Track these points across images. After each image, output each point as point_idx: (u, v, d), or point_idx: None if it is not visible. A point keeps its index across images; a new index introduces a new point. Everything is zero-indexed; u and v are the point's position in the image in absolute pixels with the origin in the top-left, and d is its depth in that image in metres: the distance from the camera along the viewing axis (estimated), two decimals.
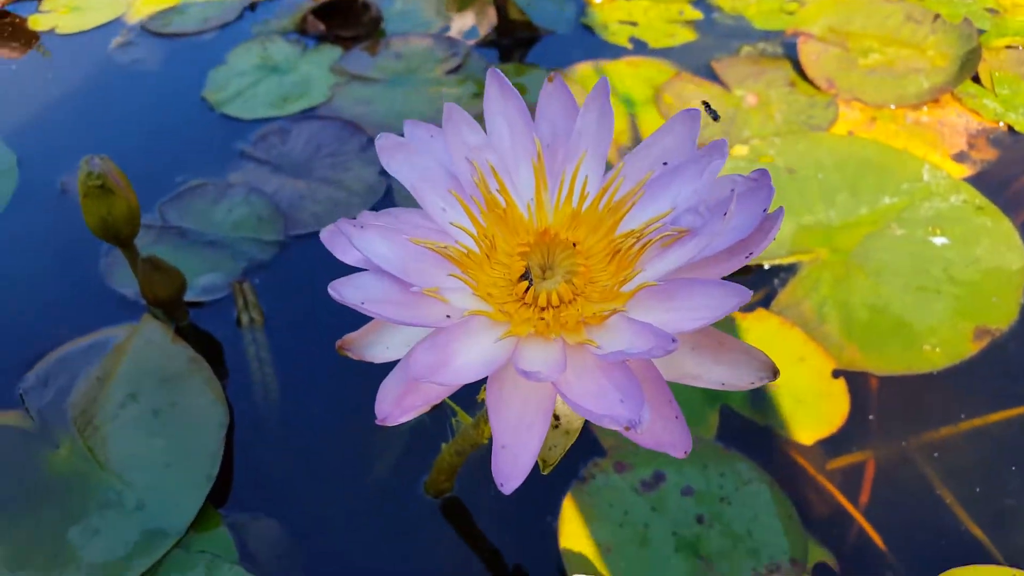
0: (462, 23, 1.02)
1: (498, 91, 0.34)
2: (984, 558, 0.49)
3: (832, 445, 0.55)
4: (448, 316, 0.29)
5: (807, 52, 0.90)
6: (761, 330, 0.61)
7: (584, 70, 0.92)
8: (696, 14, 1.01)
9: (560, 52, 0.97)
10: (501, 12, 0.97)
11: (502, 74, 0.34)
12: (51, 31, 1.08)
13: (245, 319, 0.67)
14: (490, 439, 0.40)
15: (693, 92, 0.87)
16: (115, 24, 1.09)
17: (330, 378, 0.63)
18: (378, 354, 0.32)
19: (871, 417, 0.56)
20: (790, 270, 0.66)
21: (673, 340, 0.25)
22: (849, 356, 0.59)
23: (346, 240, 0.31)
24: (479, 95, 0.89)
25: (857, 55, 0.89)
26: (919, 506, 0.52)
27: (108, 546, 0.51)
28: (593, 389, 0.27)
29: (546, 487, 0.54)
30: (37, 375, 0.61)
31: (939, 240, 0.66)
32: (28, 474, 0.55)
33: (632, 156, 0.33)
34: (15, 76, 1.01)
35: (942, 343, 0.59)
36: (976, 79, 0.84)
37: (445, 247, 0.30)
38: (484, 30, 1.00)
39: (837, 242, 0.68)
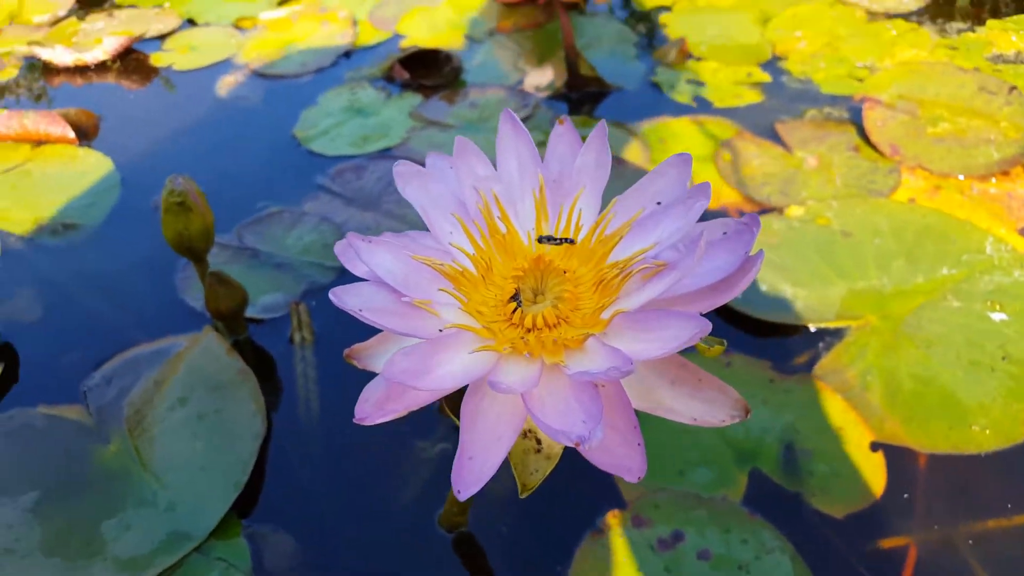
0: (537, 78, 1.02)
1: (511, 129, 0.33)
2: None
3: (863, 522, 0.49)
4: (441, 331, 0.28)
5: (873, 118, 0.85)
6: (801, 394, 0.56)
7: (647, 126, 0.89)
8: (764, 76, 0.97)
9: (626, 107, 0.95)
10: (572, 67, 0.96)
11: (515, 115, 0.33)
12: (169, 67, 1.13)
13: (297, 338, 0.67)
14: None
15: (753, 151, 0.83)
16: (225, 64, 1.13)
17: None
18: (381, 365, 0.30)
19: (906, 496, 0.50)
20: (837, 335, 0.61)
21: (630, 363, 0.24)
22: (890, 429, 0.53)
23: (355, 253, 0.30)
24: (543, 143, 0.87)
25: (926, 123, 0.83)
26: None
27: (136, 542, 0.50)
28: (561, 407, 0.26)
29: (560, 532, 0.50)
30: (103, 374, 0.62)
31: (998, 316, 0.59)
32: (77, 466, 0.55)
33: (626, 195, 0.32)
34: (133, 105, 1.06)
35: (992, 424, 0.52)
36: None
37: (441, 264, 0.29)
38: (557, 84, 0.99)
39: (889, 309, 0.62)
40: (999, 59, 0.94)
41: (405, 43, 1.13)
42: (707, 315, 0.26)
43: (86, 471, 0.54)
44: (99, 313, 0.71)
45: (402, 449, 0.57)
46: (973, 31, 1.00)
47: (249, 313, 0.68)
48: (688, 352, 0.29)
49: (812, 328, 0.61)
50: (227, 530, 0.51)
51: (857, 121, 0.86)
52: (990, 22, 1.01)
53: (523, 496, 0.29)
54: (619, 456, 0.26)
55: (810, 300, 0.63)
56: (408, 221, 0.79)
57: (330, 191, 0.85)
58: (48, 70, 1.16)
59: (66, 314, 0.71)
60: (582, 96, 0.97)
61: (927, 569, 0.47)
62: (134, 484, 0.53)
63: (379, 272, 0.29)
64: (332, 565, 0.50)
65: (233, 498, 0.52)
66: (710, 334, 0.30)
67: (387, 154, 0.90)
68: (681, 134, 0.88)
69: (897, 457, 0.52)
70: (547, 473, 0.29)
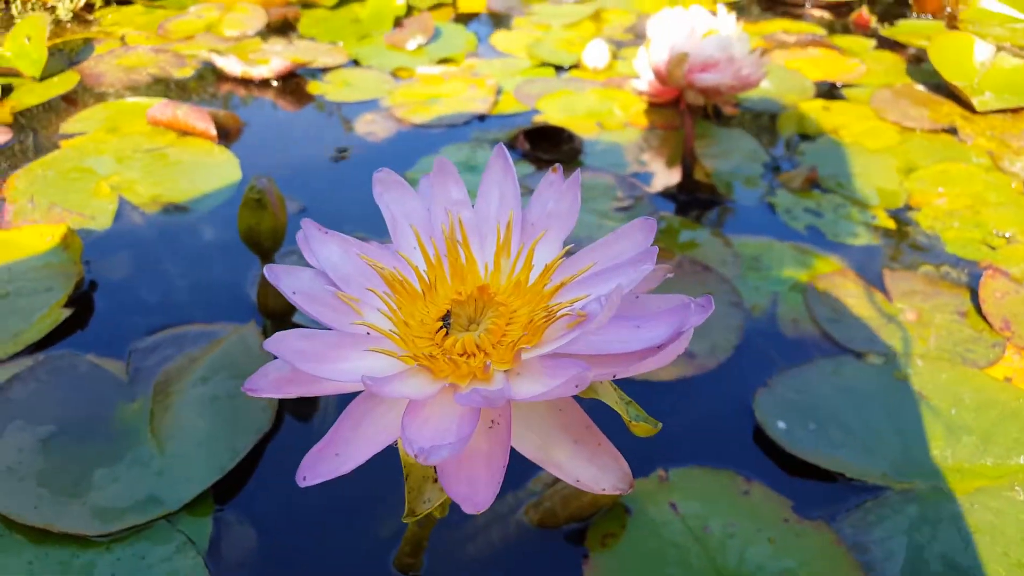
0: (654, 172, 1.04)
1: (501, 166, 0.35)
2: None
3: None
4: (368, 334, 0.30)
5: (992, 287, 0.79)
6: (812, 542, 0.52)
7: (747, 241, 0.88)
8: (889, 223, 0.94)
9: (733, 221, 0.94)
10: (687, 169, 0.97)
11: (507, 152, 0.35)
12: (322, 95, 1.26)
13: None
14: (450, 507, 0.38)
15: (851, 291, 0.80)
16: (371, 103, 1.24)
17: None
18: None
19: None
20: (874, 493, 0.56)
21: (505, 398, 0.24)
22: None
23: (310, 246, 0.33)
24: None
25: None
26: None
27: (116, 495, 0.53)
28: (440, 426, 0.26)
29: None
30: (153, 341, 0.68)
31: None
32: (99, 413, 0.60)
33: (587, 251, 0.32)
34: (278, 120, 1.18)
35: None
36: None
37: (383, 268, 0.31)
38: (670, 183, 1.01)
39: (942, 482, 0.57)
40: None
41: (538, 118, 1.19)
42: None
43: (105, 420, 0.59)
44: (174, 288, 0.78)
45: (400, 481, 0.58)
46: None
47: (299, 320, 0.72)
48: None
49: (851, 478, 0.57)
50: (200, 508, 0.53)
51: (974, 287, 0.81)
52: None
53: (406, 520, 0.29)
54: (467, 488, 0.26)
55: (858, 451, 0.59)
56: None
57: None
58: (219, 76, 1.31)
59: (147, 282, 0.78)
60: (691, 200, 0.98)
61: None
62: (138, 443, 0.57)
63: (324, 263, 0.31)
64: (280, 574, 0.51)
65: (213, 480, 0.54)
66: (648, 413, 0.30)
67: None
68: (780, 257, 0.86)
69: None
70: (437, 504, 0.29)
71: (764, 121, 1.22)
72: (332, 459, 0.26)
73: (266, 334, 0.70)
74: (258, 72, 1.27)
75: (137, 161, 0.99)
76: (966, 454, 0.59)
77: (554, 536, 0.53)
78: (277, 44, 1.45)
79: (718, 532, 0.53)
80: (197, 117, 1.01)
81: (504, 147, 0.35)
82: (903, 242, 0.91)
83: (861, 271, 0.84)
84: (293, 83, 1.31)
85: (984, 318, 0.76)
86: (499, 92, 1.28)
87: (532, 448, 0.27)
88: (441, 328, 0.30)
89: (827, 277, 0.82)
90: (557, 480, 0.56)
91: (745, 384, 0.66)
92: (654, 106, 1.23)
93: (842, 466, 0.58)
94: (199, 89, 1.29)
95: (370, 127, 1.16)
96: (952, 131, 1.17)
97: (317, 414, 0.64)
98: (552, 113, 1.21)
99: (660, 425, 0.29)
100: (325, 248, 0.33)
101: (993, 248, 0.89)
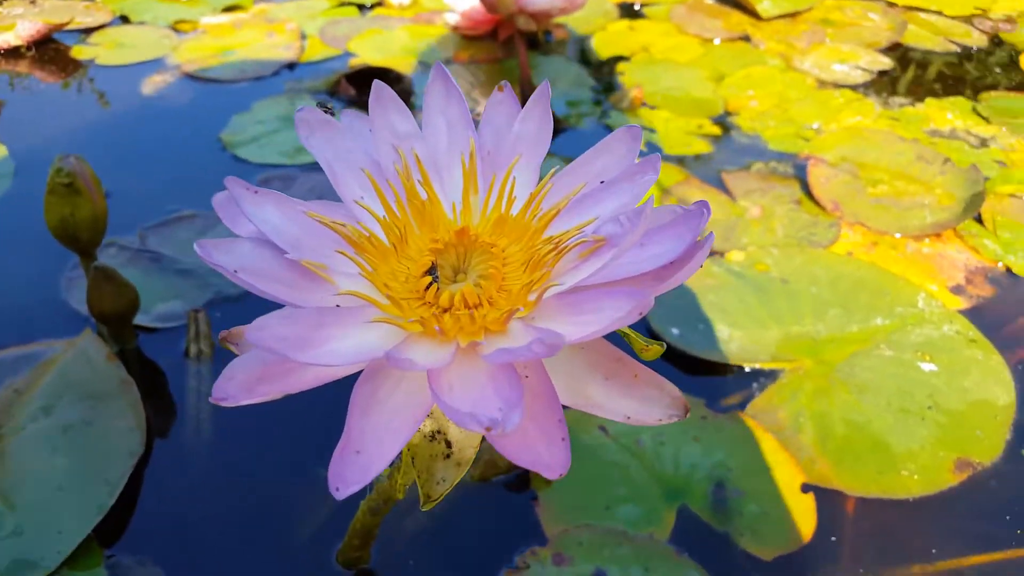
0: (479, 109, 1.03)
1: (442, 88, 0.32)
2: None
3: (792, 565, 0.49)
4: (338, 306, 0.26)
5: (816, 175, 0.89)
6: (732, 432, 0.56)
7: None
8: (715, 129, 1.01)
9: (576, 145, 0.97)
10: (526, 100, 0.97)
11: (447, 70, 0.33)
12: (91, 60, 1.11)
13: (194, 350, 0.63)
14: (411, 490, 0.36)
15: (698, 197, 0.86)
16: (155, 63, 1.11)
17: (270, 427, 0.59)
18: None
19: (834, 539, 0.50)
20: (770, 376, 0.62)
21: (558, 336, 0.22)
22: (821, 471, 0.54)
23: (237, 210, 0.29)
24: None
25: (866, 184, 0.88)
26: None
27: None
28: (475, 393, 0.24)
29: (473, 570, 0.48)
30: None
31: (927, 366, 0.62)
32: None
33: (566, 171, 0.31)
34: (42, 94, 1.03)
35: (920, 470, 0.54)
36: (979, 219, 0.81)
37: (344, 225, 0.28)
38: None
39: (823, 355, 0.63)
40: (935, 133, 1.00)
41: (354, 61, 1.14)
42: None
43: None
44: None
45: (303, 478, 0.54)
46: (913, 106, 1.07)
47: (142, 321, 0.65)
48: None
49: (747, 368, 0.62)
50: (86, 560, 0.47)
51: (801, 177, 0.90)
52: (928, 100, 1.08)
53: (425, 509, 0.27)
54: (538, 450, 0.24)
55: (745, 342, 0.65)
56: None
57: None
58: None
59: None
60: None
61: None
62: None
63: (264, 229, 0.26)
64: None
65: (94, 523, 0.47)
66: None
67: (317, 166, 0.89)
68: None
69: (827, 499, 0.52)
70: (455, 482, 0.27)
71: (579, 46, 1.25)
72: (355, 459, 0.23)
73: (109, 340, 0.62)
74: (2, 40, 1.09)
75: None
76: (835, 325, 0.66)
77: (495, 488, 0.53)
78: (17, 6, 1.25)
79: (650, 444, 0.55)
80: None
81: (442, 65, 0.33)
82: (731, 145, 0.98)
83: (703, 178, 0.90)
84: (51, 50, 1.14)
85: (816, 203, 0.85)
86: (304, 37, 1.20)
87: (565, 393, 0.25)
88: (432, 284, 0.27)
89: (676, 188, 0.87)
90: None
91: None
92: (469, 39, 1.22)
93: (737, 358, 0.63)
94: None
95: (161, 89, 1.04)
96: (746, 38, 1.27)
97: (190, 422, 0.58)
98: (367, 54, 1.16)
99: (664, 345, 0.29)
100: (260, 210, 0.28)
101: (807, 140, 0.99)
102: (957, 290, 0.71)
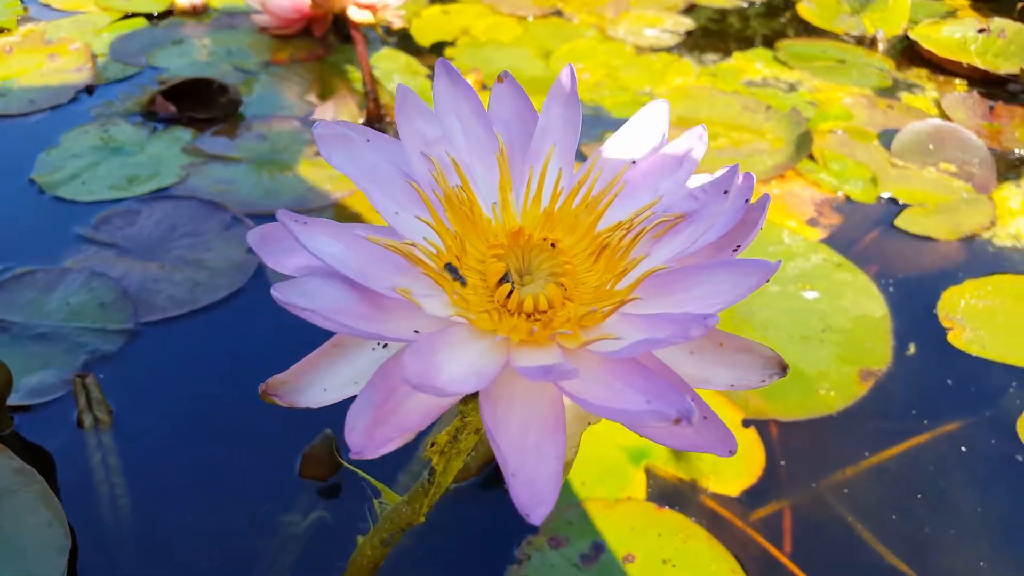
0: (330, 109, 1.00)
1: (447, 86, 0.32)
2: None
3: (756, 494, 0.54)
4: (416, 331, 0.25)
5: None
6: None
7: None
8: None
9: None
10: (373, 97, 0.95)
11: (450, 64, 0.32)
12: None
13: (88, 420, 0.57)
14: (433, 505, 0.35)
15: None
16: None
17: (195, 483, 0.54)
18: (313, 397, 0.27)
19: (782, 463, 0.55)
20: None
21: (706, 317, 0.22)
22: (755, 406, 0.59)
23: (281, 246, 0.27)
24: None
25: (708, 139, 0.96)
26: (841, 545, 0.52)
27: None
28: (609, 393, 0.24)
29: (477, 573, 0.48)
30: None
31: (810, 294, 0.69)
32: None
33: (605, 149, 0.32)
34: None
35: (835, 387, 0.61)
36: (812, 157, 0.92)
37: (413, 244, 0.26)
38: (347, 116, 0.98)
39: None
40: (751, 84, 1.11)
41: (163, 76, 1.05)
42: None
43: None
44: None
45: (259, 530, 0.51)
46: (724, 61, 1.18)
47: (11, 400, 0.57)
48: None
49: None
50: None
51: None
52: (736, 54, 1.20)
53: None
54: (701, 430, 0.24)
55: None
56: (207, 267, 0.72)
57: (95, 242, 0.75)
58: None
59: None
60: (385, 126, 0.97)
61: (811, 524, 0.52)
62: None
63: (327, 260, 0.25)
64: None
65: None
66: None
67: (163, 194, 0.82)
68: None
69: (766, 430, 0.57)
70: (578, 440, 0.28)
71: (397, 35, 1.24)
72: (513, 480, 0.23)
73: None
74: None
75: None
76: None
77: (470, 491, 0.53)
78: None
79: None
80: None
81: (446, 61, 0.32)
82: None
83: None
84: None
85: None
86: (93, 56, 1.09)
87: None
88: (511, 291, 0.26)
89: None
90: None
91: None
92: (282, 39, 1.16)
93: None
94: None
95: None
96: (559, 13, 1.32)
97: (104, 500, 0.52)
98: (174, 67, 1.08)
99: None
100: (316, 241, 0.25)
101: (643, 105, 1.05)
102: (812, 223, 0.80)
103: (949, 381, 0.62)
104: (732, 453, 0.24)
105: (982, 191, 0.86)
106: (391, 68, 1.11)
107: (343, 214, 0.80)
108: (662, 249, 0.28)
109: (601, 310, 0.26)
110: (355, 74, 1.07)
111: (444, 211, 0.28)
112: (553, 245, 0.28)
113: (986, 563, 0.50)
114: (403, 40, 1.22)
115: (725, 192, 0.28)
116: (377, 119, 0.97)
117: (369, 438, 0.23)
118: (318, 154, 0.89)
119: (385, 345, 0.27)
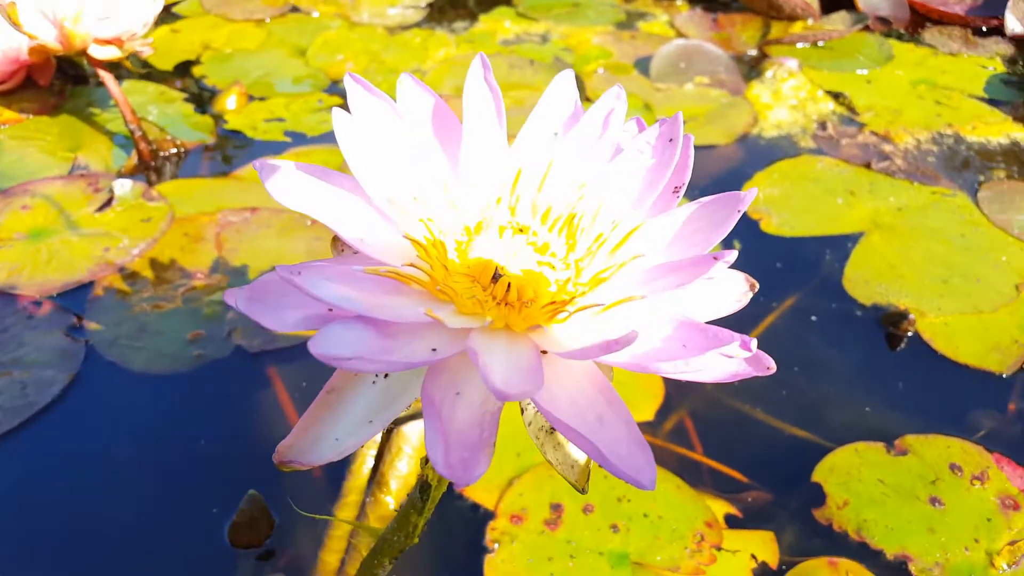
0: (95, 161, 0.87)
1: (364, 99, 0.30)
2: (814, 449, 0.55)
3: (663, 412, 0.57)
4: (434, 349, 0.24)
5: (452, 108, 0.95)
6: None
7: (249, 171, 0.85)
8: (336, 99, 1.00)
9: (216, 163, 0.88)
10: (142, 137, 0.85)
11: (358, 75, 0.30)
12: None
13: None
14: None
15: None
16: None
17: None
18: (328, 451, 0.25)
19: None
20: None
21: (715, 257, 0.24)
22: None
23: (275, 302, 0.25)
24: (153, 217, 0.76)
25: None
26: (744, 432, 0.57)
27: None
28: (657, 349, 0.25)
29: (456, 571, 0.47)
30: None
31: None
32: None
33: (527, 129, 0.32)
34: None
35: None
36: (588, 99, 0.97)
37: (412, 264, 0.26)
38: (113, 162, 0.87)
39: None
40: (507, 43, 1.14)
41: None
42: None
43: None
44: None
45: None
46: (473, 26, 1.19)
47: None
48: None
49: None
50: None
51: None
52: (482, 17, 1.21)
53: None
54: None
55: None
56: (26, 365, 0.61)
57: None
58: None
59: None
60: (160, 162, 0.87)
61: (712, 423, 0.57)
62: None
63: (340, 303, 0.23)
64: None
65: None
66: None
67: None
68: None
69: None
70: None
71: (133, 63, 1.11)
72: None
73: None
74: None
75: None
76: None
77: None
78: None
79: None
80: None
81: (353, 75, 0.29)
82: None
83: None
84: None
85: None
86: None
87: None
88: (507, 288, 0.26)
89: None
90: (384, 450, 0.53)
91: None
92: (2, 96, 0.99)
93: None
94: None
95: None
96: (295, 9, 1.25)
97: None
98: None
99: None
100: (323, 287, 0.24)
101: None
102: None
103: (777, 264, 0.70)
104: (770, 370, 0.26)
105: (736, 94, 0.96)
106: (143, 100, 0.99)
107: (156, 264, 0.72)
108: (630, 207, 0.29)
109: (603, 275, 0.26)
110: (104, 115, 0.95)
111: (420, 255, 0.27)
112: (521, 231, 0.28)
113: (870, 407, 0.57)
114: (141, 69, 1.09)
115: (671, 140, 0.29)
116: (151, 158, 0.87)
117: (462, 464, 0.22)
118: (101, 208, 0.78)
119: (386, 375, 0.26)
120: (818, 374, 0.60)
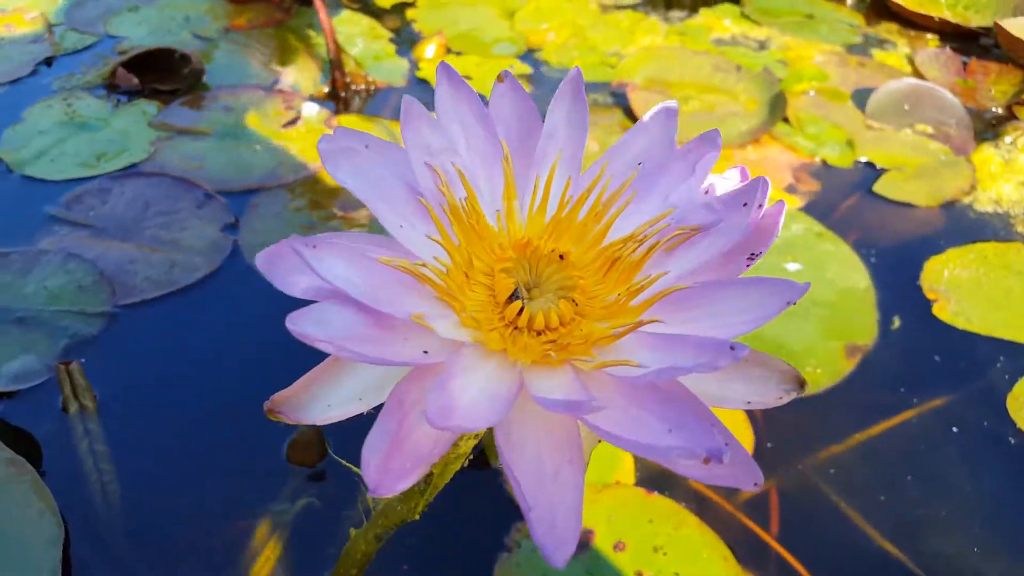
0: (294, 77, 0.93)
1: (449, 89, 0.28)
2: (900, 571, 0.47)
3: None
4: (426, 352, 0.23)
5: (637, 99, 0.91)
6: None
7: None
8: (525, 68, 0.99)
9: (398, 106, 0.91)
10: (338, 65, 0.90)
11: (452, 67, 0.28)
12: None
13: (73, 407, 0.54)
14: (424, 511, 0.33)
15: None
16: None
17: (182, 468, 0.52)
18: (318, 414, 0.25)
19: (769, 445, 0.54)
20: None
21: (732, 347, 0.20)
22: None
23: (289, 265, 0.24)
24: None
25: (679, 102, 0.92)
26: (829, 526, 0.50)
27: None
28: (626, 421, 0.22)
29: (469, 562, 0.46)
30: None
31: (792, 266, 0.67)
32: None
33: (612, 152, 0.29)
34: None
35: (821, 363, 0.58)
36: (786, 120, 0.88)
37: (424, 264, 0.24)
38: (311, 84, 0.92)
39: None
40: (720, 42, 1.06)
41: (122, 46, 0.97)
42: None
43: None
44: None
45: (248, 516, 0.49)
46: (691, 18, 1.12)
47: None
48: None
49: None
50: None
51: (621, 104, 0.91)
52: (703, 11, 1.14)
53: None
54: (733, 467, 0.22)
55: None
56: (184, 247, 0.68)
57: (68, 222, 0.71)
58: None
59: None
60: (351, 94, 0.92)
61: (798, 505, 0.51)
62: None
63: (339, 284, 0.22)
64: None
65: None
66: None
67: (134, 171, 0.77)
68: None
69: (754, 411, 0.55)
70: None
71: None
72: (531, 515, 0.21)
73: None
74: None
75: None
76: None
77: (461, 474, 0.50)
78: None
79: None
80: None
81: (447, 64, 0.28)
82: (546, 83, 0.97)
83: None
84: None
85: None
86: (50, 26, 1.01)
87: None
88: (521, 309, 0.24)
89: None
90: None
91: None
92: (238, 3, 1.08)
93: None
94: None
95: None
96: None
97: (94, 487, 0.49)
98: (135, 35, 1.00)
99: None
100: (330, 266, 0.23)
101: (612, 67, 1.00)
102: (790, 190, 0.77)
103: (936, 356, 0.60)
104: (758, 486, 0.22)
105: (960, 153, 0.84)
106: (353, 32, 1.04)
107: (318, 188, 0.76)
108: (676, 261, 0.26)
109: (616, 331, 0.23)
110: (317, 39, 1.01)
111: (451, 225, 0.25)
112: (561, 257, 0.26)
113: (979, 547, 0.48)
114: (362, 2, 1.14)
115: (745, 205, 0.25)
116: (342, 89, 0.91)
117: (384, 472, 0.21)
118: (286, 125, 0.83)
119: None
120: (937, 492, 0.51)
